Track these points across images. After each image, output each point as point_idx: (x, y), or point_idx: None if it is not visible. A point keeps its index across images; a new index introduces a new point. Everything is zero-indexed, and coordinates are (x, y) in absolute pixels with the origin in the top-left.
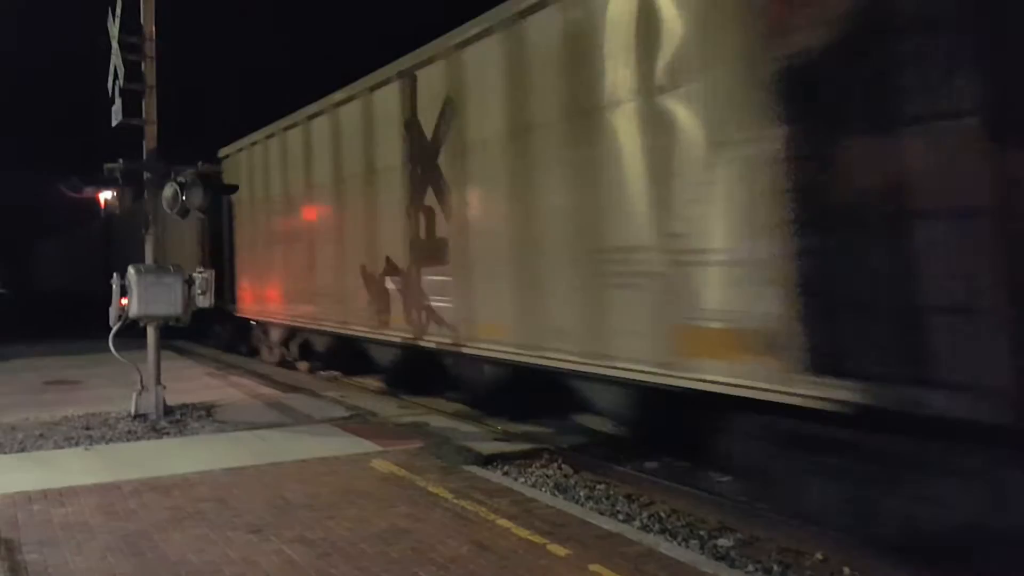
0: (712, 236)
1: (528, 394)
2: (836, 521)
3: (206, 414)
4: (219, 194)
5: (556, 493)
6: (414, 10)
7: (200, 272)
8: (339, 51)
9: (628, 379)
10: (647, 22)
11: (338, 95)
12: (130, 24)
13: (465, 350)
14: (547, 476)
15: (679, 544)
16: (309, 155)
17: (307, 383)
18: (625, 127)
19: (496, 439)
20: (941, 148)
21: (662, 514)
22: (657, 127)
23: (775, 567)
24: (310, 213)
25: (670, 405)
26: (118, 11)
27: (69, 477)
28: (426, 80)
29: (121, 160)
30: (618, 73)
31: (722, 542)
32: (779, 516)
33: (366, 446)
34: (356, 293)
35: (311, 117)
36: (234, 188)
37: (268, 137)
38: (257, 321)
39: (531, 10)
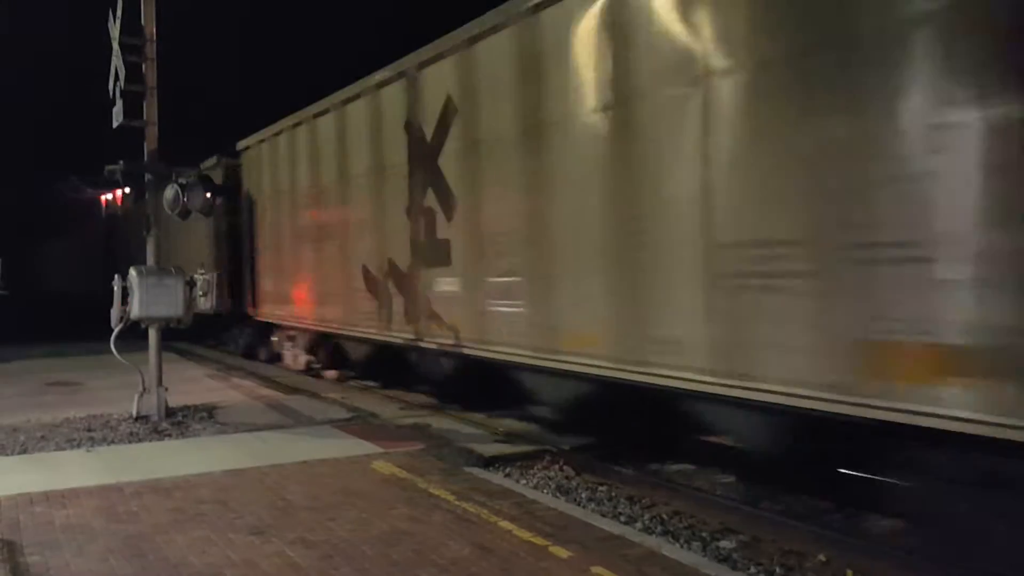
0: (916, 226)
1: (631, 416)
2: None
3: (208, 416)
4: (217, 195)
5: (558, 495)
6: (419, 7)
7: (201, 274)
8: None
9: (778, 405)
10: None
11: (379, 75)
12: (131, 26)
13: (544, 363)
14: (549, 478)
15: (681, 546)
16: (343, 143)
17: (309, 385)
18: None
19: (497, 441)
20: None
21: (664, 516)
22: None
23: (777, 569)
24: (345, 207)
25: (821, 434)
26: (119, 13)
27: (71, 479)
28: (489, 51)
29: (121, 162)
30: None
31: (724, 544)
32: (781, 518)
33: (367, 448)
34: (400, 295)
35: (346, 101)
36: (236, 189)
37: (295, 125)
38: (281, 325)
39: None
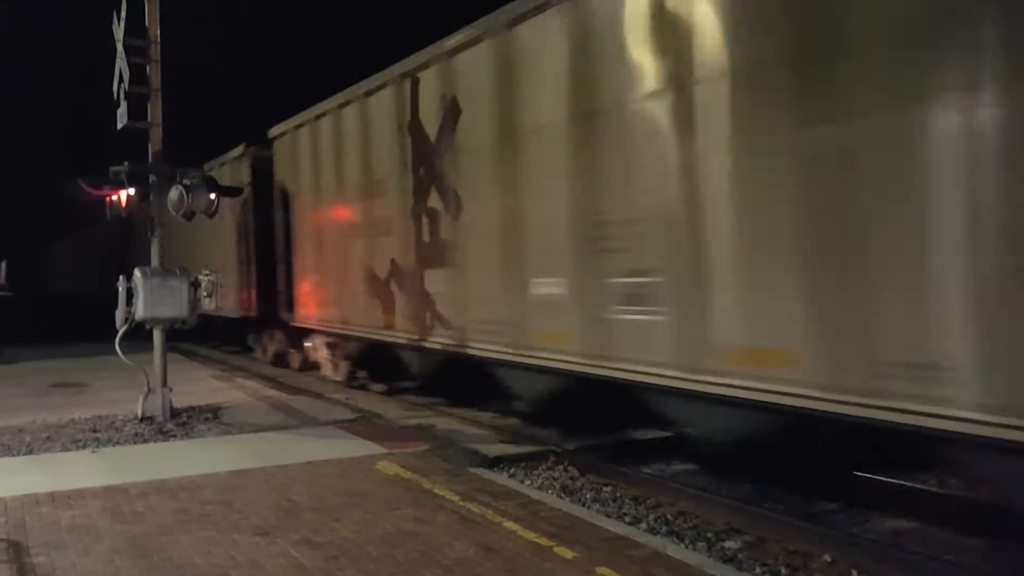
0: None
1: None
2: None
3: (212, 416)
4: (224, 195)
5: (563, 495)
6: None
7: (206, 274)
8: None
9: None
10: None
11: (453, 40)
12: (135, 28)
13: (699, 386)
14: (553, 478)
15: (686, 546)
16: (403, 123)
17: (313, 386)
18: None
19: (502, 441)
20: None
21: (669, 516)
22: None
23: (783, 569)
24: (409, 197)
25: None
26: (123, 15)
27: (76, 479)
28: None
29: (126, 163)
30: None
31: (729, 544)
32: (786, 518)
33: (372, 448)
34: (486, 298)
35: (406, 75)
36: (239, 191)
37: (342, 106)
38: (320, 331)
39: None
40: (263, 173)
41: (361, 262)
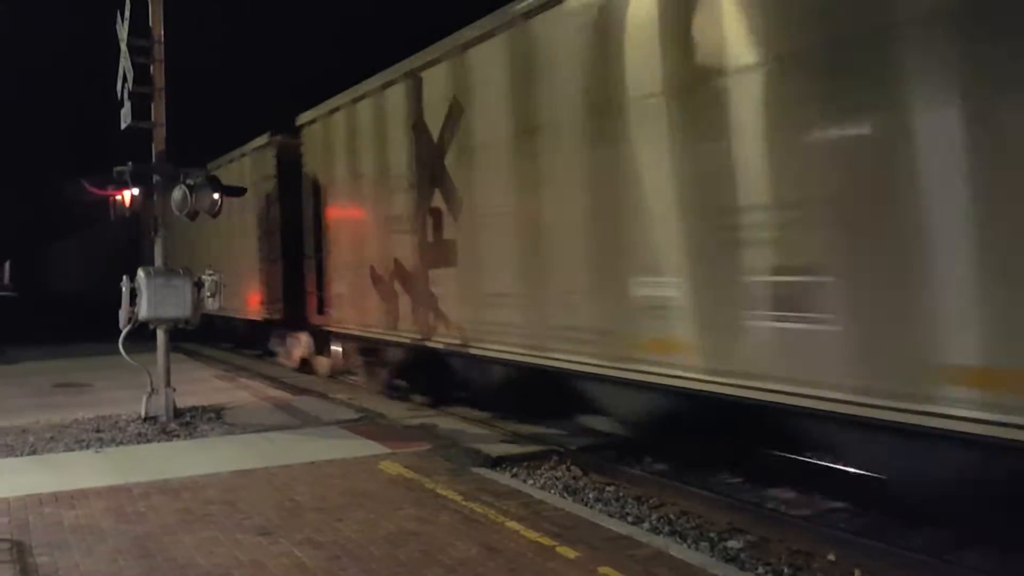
0: None
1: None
2: None
3: (215, 416)
4: (227, 195)
5: (565, 495)
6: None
7: (209, 274)
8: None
9: None
10: None
11: (522, 4)
12: (138, 27)
13: (885, 413)
14: (556, 478)
15: (689, 546)
16: (463, 103)
17: (316, 386)
18: None
19: (504, 441)
20: None
21: (672, 516)
22: None
23: (786, 569)
24: (463, 185)
25: None
26: (127, 14)
27: (79, 479)
28: None
29: (130, 163)
30: None
31: (732, 544)
32: (789, 517)
33: (375, 448)
34: (566, 300)
35: (468, 46)
36: (243, 190)
37: (386, 86)
38: (356, 336)
39: None
40: (290, 163)
41: (407, 260)
